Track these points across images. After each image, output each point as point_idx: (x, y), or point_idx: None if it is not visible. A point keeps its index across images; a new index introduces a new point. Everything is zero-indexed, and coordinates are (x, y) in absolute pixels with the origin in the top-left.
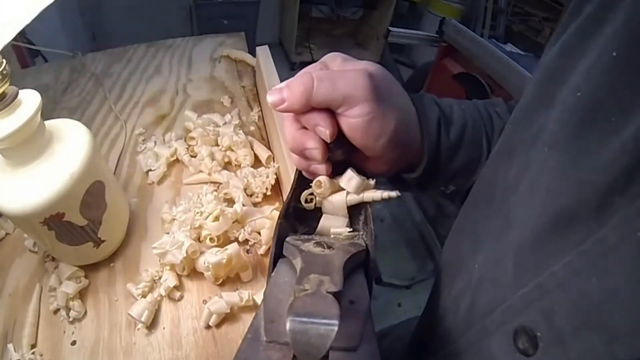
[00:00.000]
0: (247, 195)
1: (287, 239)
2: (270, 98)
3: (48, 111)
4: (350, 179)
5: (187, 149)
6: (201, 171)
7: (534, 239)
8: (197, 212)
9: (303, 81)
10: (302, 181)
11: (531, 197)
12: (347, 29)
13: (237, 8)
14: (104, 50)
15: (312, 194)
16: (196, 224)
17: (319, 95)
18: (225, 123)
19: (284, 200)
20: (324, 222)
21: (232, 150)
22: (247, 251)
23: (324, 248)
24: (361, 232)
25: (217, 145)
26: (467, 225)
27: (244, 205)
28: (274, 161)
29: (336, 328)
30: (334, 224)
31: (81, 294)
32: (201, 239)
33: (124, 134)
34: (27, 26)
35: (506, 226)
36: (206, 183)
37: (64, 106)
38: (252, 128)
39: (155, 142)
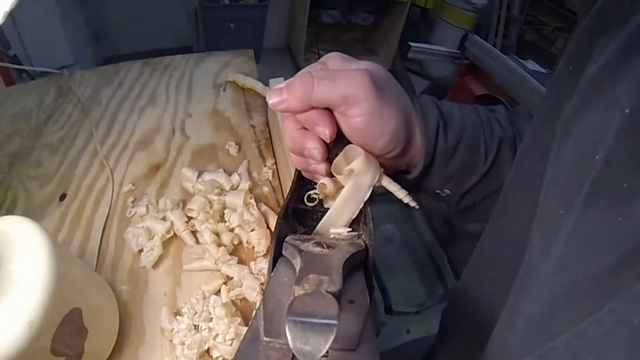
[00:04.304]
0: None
1: (287, 239)
2: (270, 100)
3: (28, 145)
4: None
5: (187, 223)
6: (204, 257)
7: (542, 308)
8: (204, 329)
9: (303, 81)
10: (302, 181)
11: (544, 262)
12: (357, 34)
13: (244, 11)
14: (94, 69)
15: (316, 193)
16: (205, 347)
17: (318, 95)
18: (232, 186)
19: (284, 200)
20: (324, 221)
21: (243, 228)
22: None
23: (324, 248)
24: (361, 232)
25: (224, 219)
26: (482, 281)
27: None
28: None
29: (335, 328)
30: (335, 222)
31: None
32: (211, 354)
33: (110, 189)
34: (26, 28)
35: (520, 287)
36: (211, 270)
37: (45, 141)
38: (265, 189)
39: (147, 207)
